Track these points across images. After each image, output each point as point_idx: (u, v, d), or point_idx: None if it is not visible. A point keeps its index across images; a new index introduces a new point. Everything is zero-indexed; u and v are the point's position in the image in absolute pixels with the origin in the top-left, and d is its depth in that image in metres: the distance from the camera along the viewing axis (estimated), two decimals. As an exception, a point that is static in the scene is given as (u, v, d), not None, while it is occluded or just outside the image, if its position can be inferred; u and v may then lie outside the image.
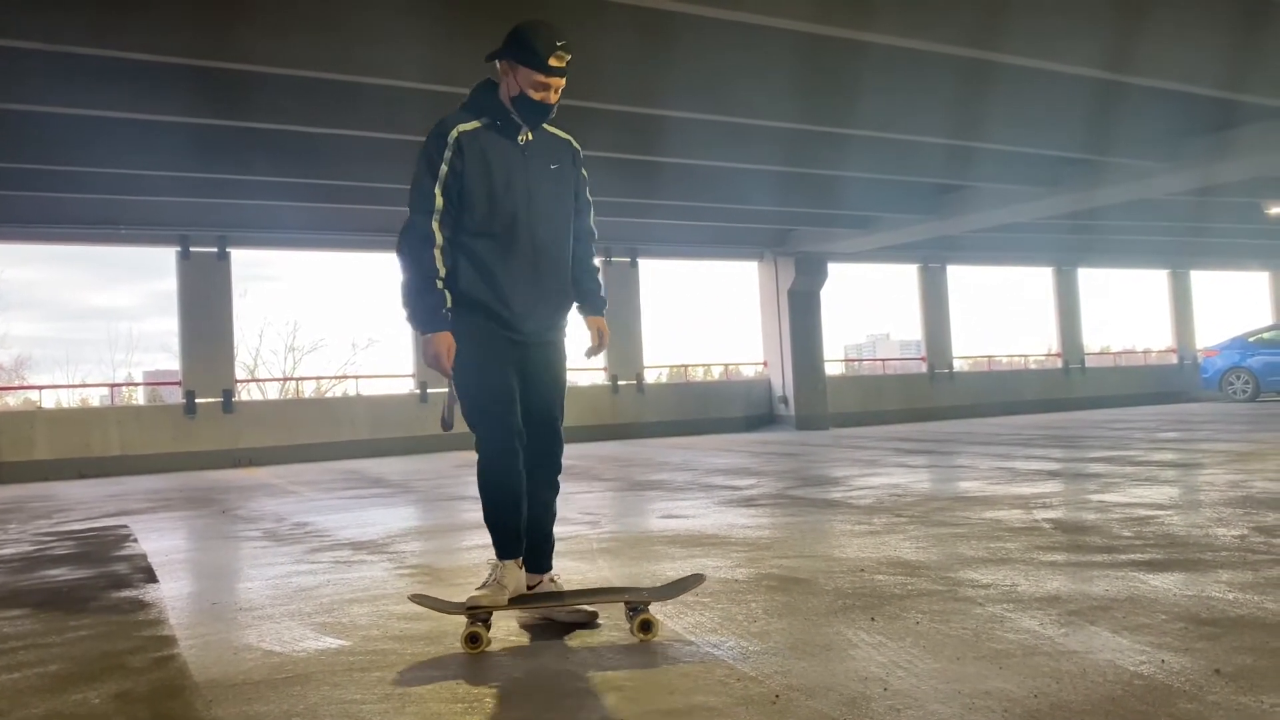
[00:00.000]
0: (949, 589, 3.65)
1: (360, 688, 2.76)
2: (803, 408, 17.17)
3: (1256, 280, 25.21)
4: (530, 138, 3.33)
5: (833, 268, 17.53)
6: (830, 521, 5.64)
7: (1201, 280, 23.85)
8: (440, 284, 3.21)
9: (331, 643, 3.28)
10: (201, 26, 6.39)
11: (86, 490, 10.55)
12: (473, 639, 3.10)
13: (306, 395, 20.34)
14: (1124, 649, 2.78)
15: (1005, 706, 2.35)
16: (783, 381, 17.47)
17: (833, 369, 19.03)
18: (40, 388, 17.08)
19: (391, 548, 5.38)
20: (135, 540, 6.22)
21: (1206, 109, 9.89)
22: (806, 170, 11.37)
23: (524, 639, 3.25)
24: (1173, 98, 9.27)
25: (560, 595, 3.33)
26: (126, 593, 4.41)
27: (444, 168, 3.22)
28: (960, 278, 23.51)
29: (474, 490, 3.46)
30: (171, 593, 4.37)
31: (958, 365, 20.20)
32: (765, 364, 18.03)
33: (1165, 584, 3.59)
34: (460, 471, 9.78)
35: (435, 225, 3.21)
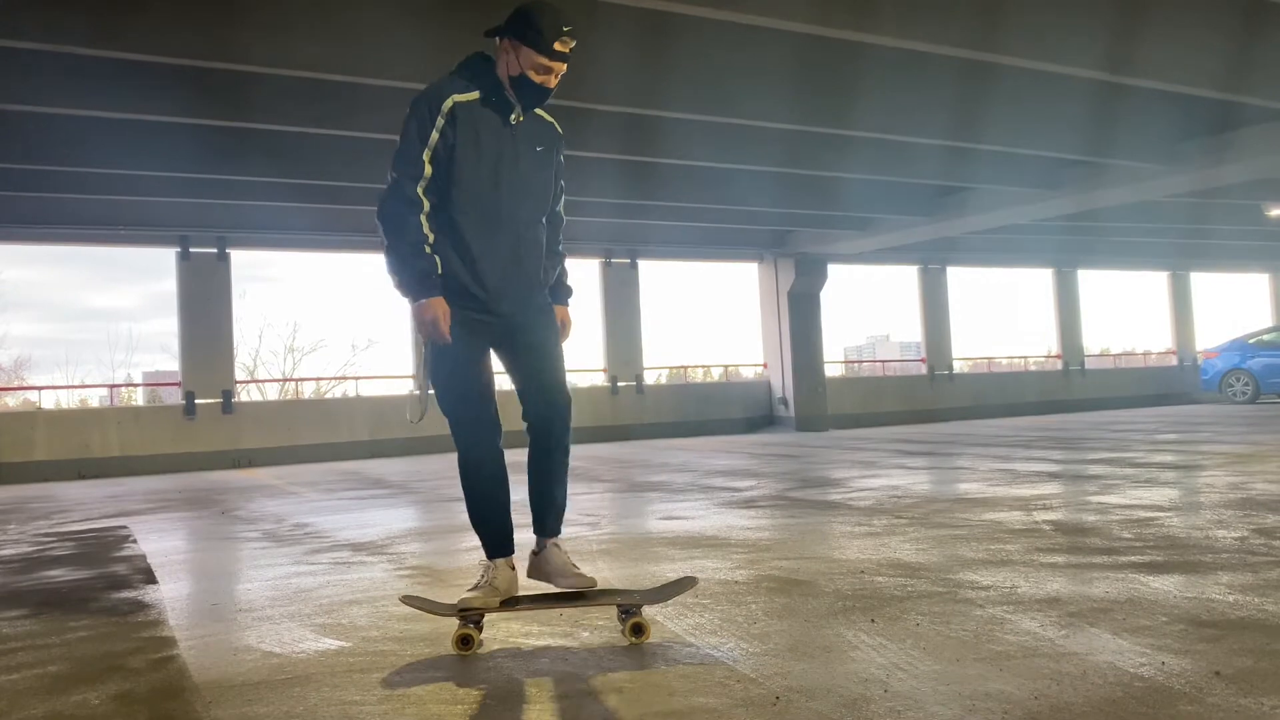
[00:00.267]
0: (949, 591, 3.65)
1: (360, 689, 2.76)
2: (803, 409, 17.17)
3: (1256, 282, 25.23)
4: (521, 119, 3.26)
5: (833, 269, 17.53)
6: (830, 523, 5.64)
7: (1201, 282, 23.89)
8: (429, 249, 3.11)
9: (331, 644, 3.28)
10: (201, 27, 6.39)
11: (86, 491, 10.54)
12: (464, 641, 3.07)
13: (306, 396, 20.33)
14: (1124, 651, 2.78)
15: (1005, 708, 2.35)
16: (782, 383, 17.47)
17: (832, 370, 19.04)
18: (40, 388, 17.08)
19: (391, 549, 5.37)
20: (135, 541, 6.22)
21: (1207, 111, 9.90)
22: (806, 171, 11.38)
23: (524, 640, 3.24)
24: (1173, 99, 9.29)
25: (553, 598, 3.29)
26: (126, 594, 4.40)
27: (435, 135, 3.11)
28: (960, 279, 23.50)
29: (474, 491, 3.43)
30: (171, 594, 4.37)
31: (957, 367, 20.20)
32: (765, 365, 18.03)
33: (1165, 586, 3.58)
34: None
35: (420, 191, 3.11)
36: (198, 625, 3.68)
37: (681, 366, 20.48)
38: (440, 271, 3.13)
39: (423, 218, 3.12)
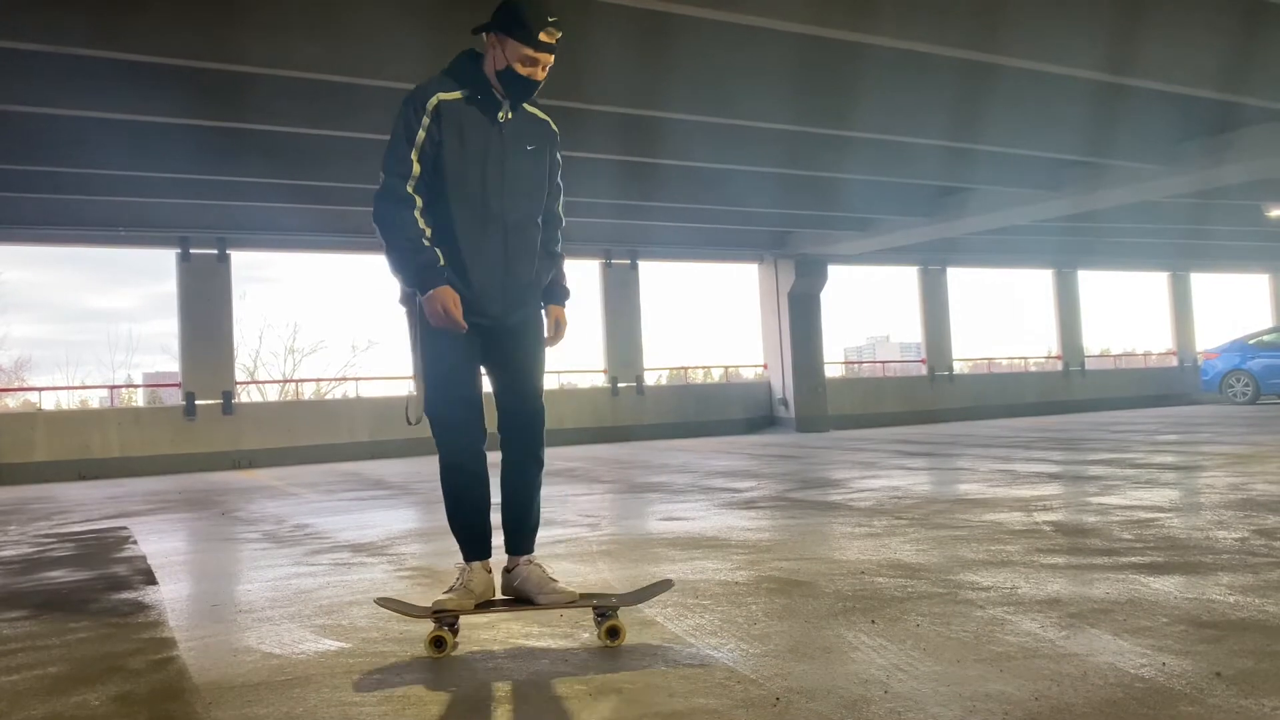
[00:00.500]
0: (949, 591, 3.65)
1: (360, 690, 2.75)
2: (803, 410, 17.17)
3: (1257, 283, 25.23)
4: (510, 116, 3.23)
5: (833, 270, 17.54)
6: (830, 524, 5.64)
7: (1202, 283, 23.89)
8: (428, 242, 3.10)
9: (331, 645, 3.27)
10: (200, 27, 6.40)
11: (86, 492, 10.54)
12: (438, 643, 3.05)
13: (306, 397, 20.33)
14: (1125, 652, 2.78)
15: (1006, 709, 2.35)
16: (783, 384, 17.47)
17: (833, 371, 19.04)
18: (40, 389, 17.08)
19: (391, 550, 5.37)
20: (135, 542, 6.22)
21: (1207, 111, 9.91)
22: (806, 172, 11.39)
23: (525, 641, 3.24)
24: (1173, 100, 9.29)
25: (526, 602, 3.25)
26: (126, 595, 4.40)
27: (421, 134, 3.11)
28: (960, 280, 23.53)
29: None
30: (171, 595, 4.37)
31: (958, 367, 20.20)
32: (765, 366, 18.03)
33: (1166, 587, 3.58)
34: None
35: (411, 189, 3.11)
36: (198, 626, 3.67)
37: (682, 367, 20.51)
38: (443, 262, 3.12)
39: (416, 213, 3.11)
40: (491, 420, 3.27)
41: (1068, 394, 20.70)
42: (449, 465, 3.27)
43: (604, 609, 3.17)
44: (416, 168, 3.12)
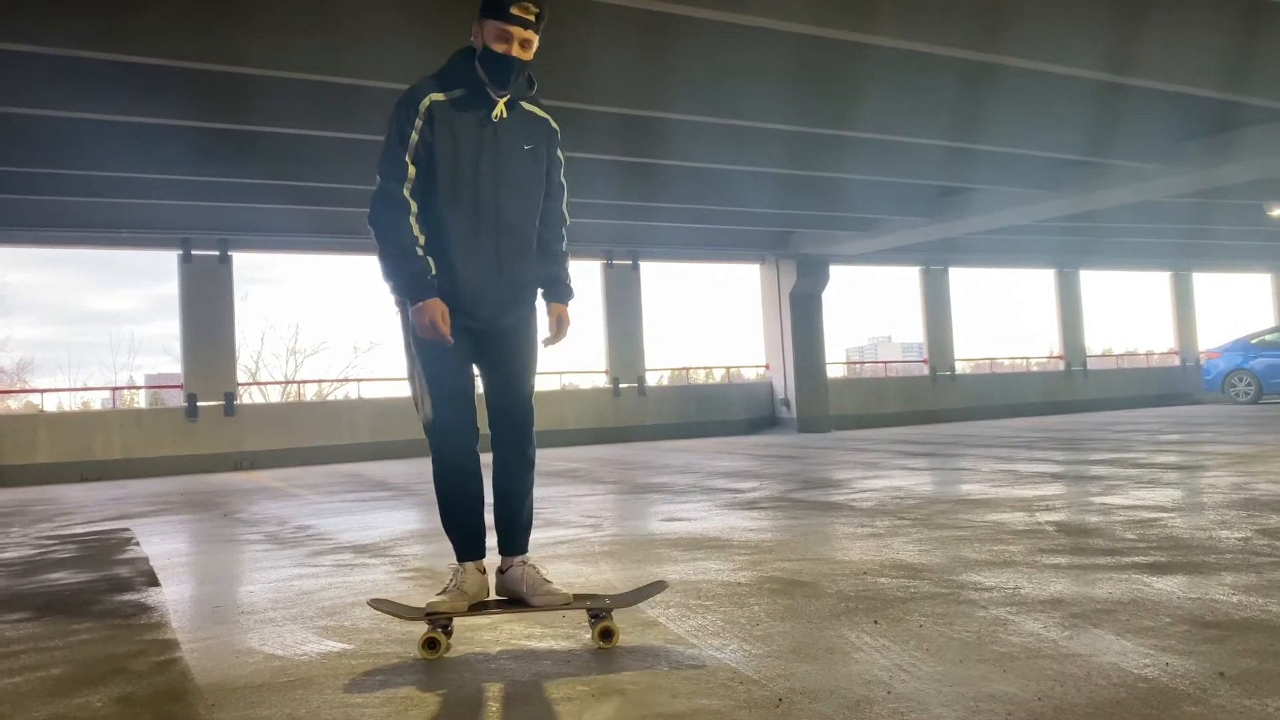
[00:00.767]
0: (952, 592, 3.65)
1: (362, 691, 2.75)
2: (804, 410, 17.16)
3: (1259, 282, 25.21)
4: (505, 114, 3.19)
5: (834, 270, 17.53)
6: (832, 524, 5.63)
7: (1203, 282, 23.87)
8: (421, 251, 3.09)
9: (334, 646, 3.28)
10: (201, 28, 6.39)
11: (88, 494, 10.55)
12: (431, 644, 3.05)
13: (308, 398, 20.33)
14: (1128, 652, 2.78)
15: (1009, 710, 2.35)
16: (784, 384, 17.46)
17: (834, 371, 19.03)
18: (42, 391, 17.08)
19: (393, 551, 5.37)
20: (137, 544, 6.22)
21: (1207, 111, 9.90)
22: (808, 172, 11.38)
23: (528, 642, 3.24)
24: (1173, 99, 9.29)
25: (520, 603, 3.24)
26: (128, 596, 4.40)
27: (414, 136, 3.09)
28: (962, 280, 23.52)
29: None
30: (173, 596, 4.37)
31: (959, 367, 20.19)
32: (767, 366, 18.03)
33: (1169, 587, 3.58)
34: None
35: (406, 192, 3.09)
36: (200, 628, 3.68)
37: (683, 368, 20.49)
38: (434, 272, 3.11)
39: (411, 219, 3.09)
40: (482, 420, 3.28)
41: (1070, 394, 20.68)
42: (442, 465, 3.27)
43: (598, 610, 3.17)
44: (411, 170, 3.10)
